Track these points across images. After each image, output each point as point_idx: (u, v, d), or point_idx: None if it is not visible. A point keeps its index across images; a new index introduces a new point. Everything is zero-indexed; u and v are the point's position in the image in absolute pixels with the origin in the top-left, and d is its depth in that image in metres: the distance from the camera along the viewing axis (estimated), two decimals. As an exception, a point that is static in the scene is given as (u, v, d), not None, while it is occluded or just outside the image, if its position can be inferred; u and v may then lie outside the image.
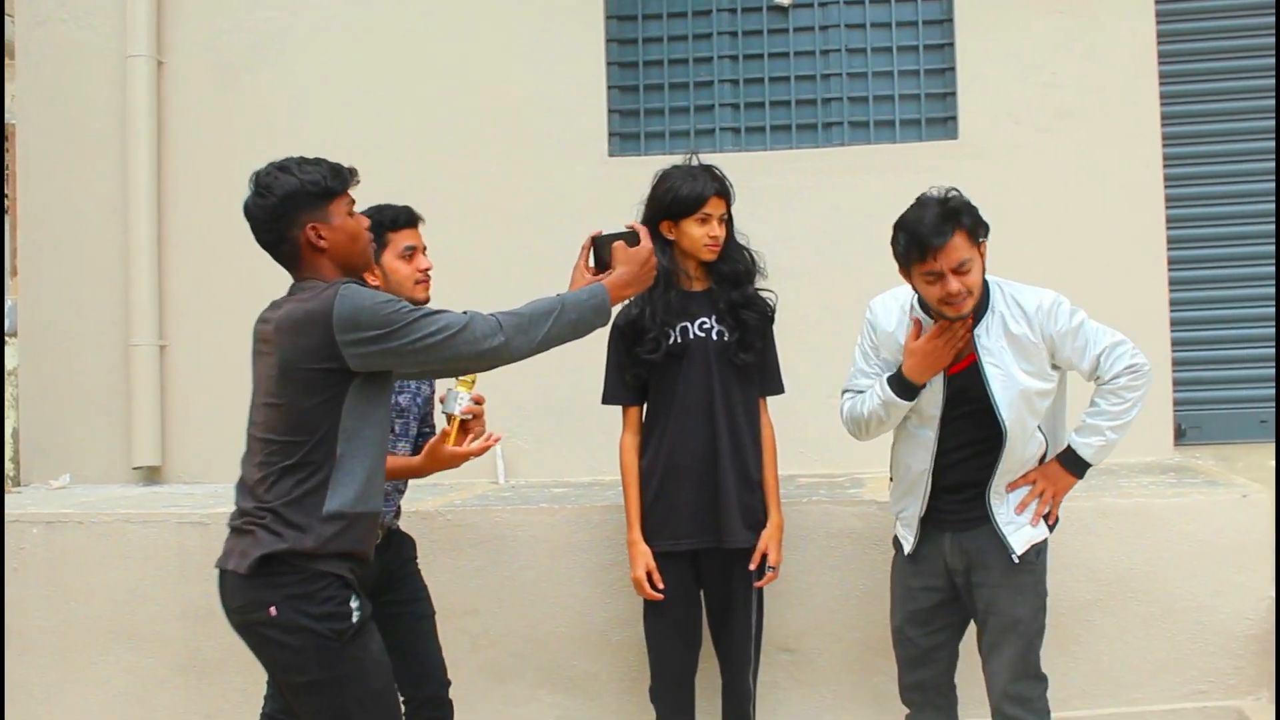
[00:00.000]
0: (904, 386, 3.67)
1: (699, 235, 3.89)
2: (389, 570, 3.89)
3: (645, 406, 4.06)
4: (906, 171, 5.68)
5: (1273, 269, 5.71)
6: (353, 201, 3.17)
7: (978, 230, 3.53)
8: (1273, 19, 5.72)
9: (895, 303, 3.82)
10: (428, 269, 3.88)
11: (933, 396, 3.69)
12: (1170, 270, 5.68)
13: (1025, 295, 3.66)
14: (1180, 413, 5.78)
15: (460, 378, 3.64)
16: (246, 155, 6.16)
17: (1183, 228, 5.79)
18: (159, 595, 4.88)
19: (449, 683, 4.00)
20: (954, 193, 3.54)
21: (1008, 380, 3.60)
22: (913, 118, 5.97)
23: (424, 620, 3.98)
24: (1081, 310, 3.66)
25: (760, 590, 3.98)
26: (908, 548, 3.82)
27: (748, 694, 3.97)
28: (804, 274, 5.44)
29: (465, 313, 3.09)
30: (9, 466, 7.52)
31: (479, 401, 3.65)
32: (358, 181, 3.19)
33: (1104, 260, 5.57)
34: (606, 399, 4.08)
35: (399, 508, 4.03)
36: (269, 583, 2.95)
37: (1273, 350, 5.64)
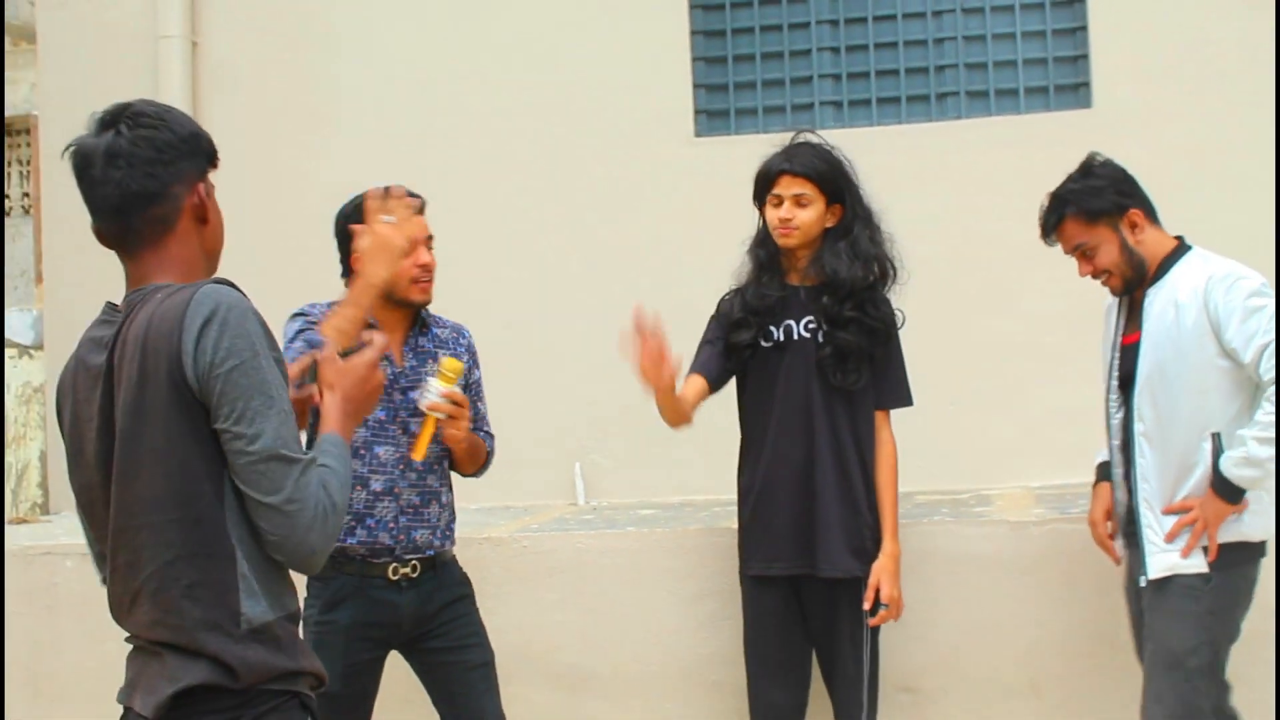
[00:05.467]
0: None
1: (770, 218, 3.96)
2: (430, 610, 3.81)
3: (746, 405, 4.08)
4: (1032, 146, 5.68)
5: None
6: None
7: (1095, 209, 3.76)
8: None
9: None
10: (427, 265, 3.77)
11: (1106, 362, 3.89)
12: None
13: (1210, 262, 3.74)
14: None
15: (441, 368, 3.61)
16: (291, 144, 6.40)
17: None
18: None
19: None
20: (1098, 158, 3.88)
21: (1151, 351, 3.71)
22: (1039, 84, 5.97)
23: (477, 669, 3.86)
24: (1272, 297, 3.65)
25: (874, 628, 3.98)
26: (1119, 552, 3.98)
27: (859, 741, 4.00)
28: (917, 266, 5.42)
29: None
30: (36, 493, 7.71)
31: (456, 401, 3.61)
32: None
33: (1262, 246, 5.36)
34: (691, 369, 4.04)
35: (446, 526, 3.89)
36: (189, 714, 2.40)
37: None
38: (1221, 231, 5.33)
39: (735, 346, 3.99)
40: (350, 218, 3.74)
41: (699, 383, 3.96)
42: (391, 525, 3.73)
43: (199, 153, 2.52)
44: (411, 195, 3.72)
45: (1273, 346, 3.56)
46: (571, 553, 4.82)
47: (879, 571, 3.92)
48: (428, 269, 3.76)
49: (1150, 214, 3.84)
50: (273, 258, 5.73)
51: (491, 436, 4.01)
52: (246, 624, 2.38)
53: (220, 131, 6.31)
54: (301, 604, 3.66)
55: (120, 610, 2.47)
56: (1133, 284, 3.81)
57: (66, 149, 2.50)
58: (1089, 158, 3.89)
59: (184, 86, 6.31)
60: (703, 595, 4.67)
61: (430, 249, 3.80)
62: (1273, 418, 3.54)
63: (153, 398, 2.34)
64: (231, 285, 2.43)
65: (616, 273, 5.97)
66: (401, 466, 3.76)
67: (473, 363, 3.97)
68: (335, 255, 3.80)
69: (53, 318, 6.60)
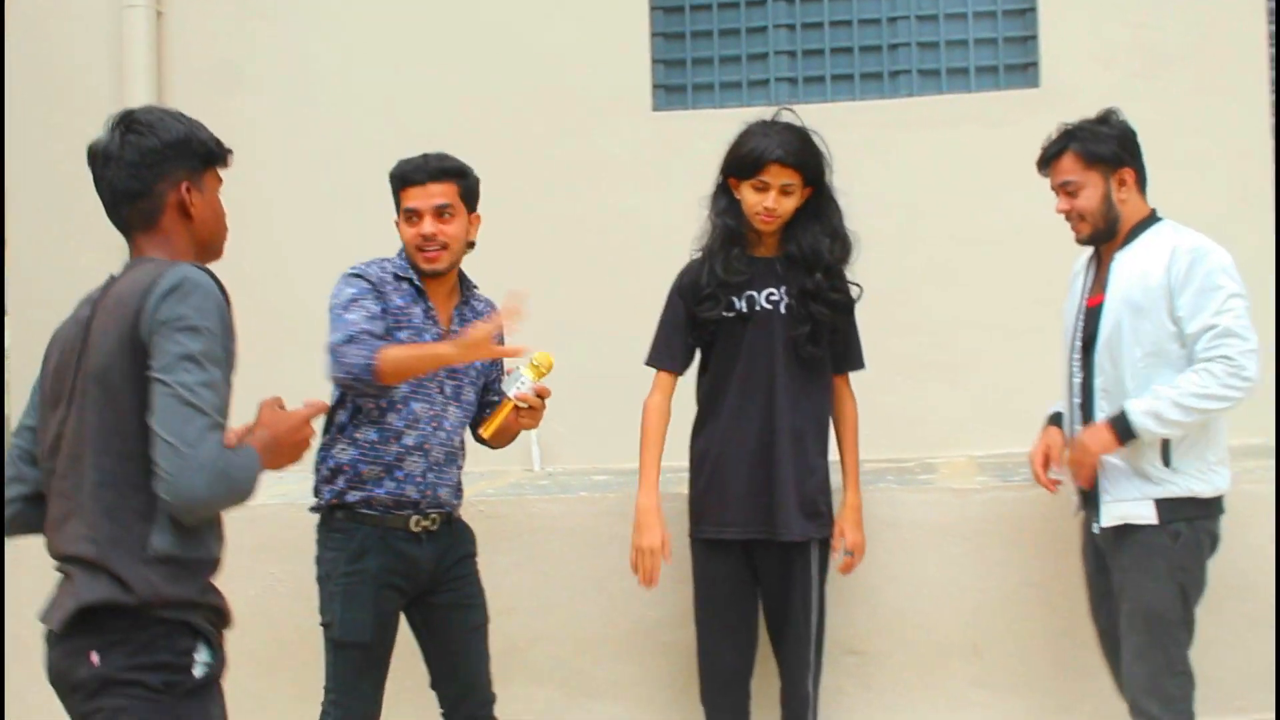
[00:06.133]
0: None
1: (752, 202, 3.95)
2: (443, 565, 3.90)
3: (707, 375, 4.11)
4: (982, 124, 5.72)
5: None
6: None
7: (1095, 153, 3.81)
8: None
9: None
10: (426, 234, 3.82)
11: (1069, 325, 3.92)
12: (1281, 236, 5.62)
13: (1178, 233, 3.80)
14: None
15: (532, 361, 3.71)
16: (258, 114, 6.36)
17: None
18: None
19: (493, 698, 4.03)
20: (1117, 114, 3.92)
21: (1113, 310, 3.76)
22: (989, 64, 6.00)
23: (476, 631, 3.98)
24: (1236, 282, 3.67)
25: (822, 589, 4.03)
26: (1073, 508, 4.01)
27: (806, 700, 4.03)
28: (868, 239, 5.46)
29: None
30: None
31: (541, 395, 3.75)
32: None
33: (1206, 227, 5.49)
34: (651, 360, 4.12)
35: (459, 483, 3.99)
36: (90, 630, 2.63)
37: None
38: (1166, 212, 5.42)
39: (703, 321, 4.02)
40: (395, 181, 3.92)
41: (670, 383, 4.09)
42: (419, 480, 3.82)
43: (187, 155, 2.83)
44: (413, 170, 3.89)
45: (1222, 332, 3.58)
46: (526, 518, 4.84)
47: (843, 521, 4.05)
48: (428, 239, 3.83)
49: (1141, 180, 3.90)
50: (242, 228, 5.69)
51: None
52: (152, 551, 2.62)
53: (184, 102, 6.27)
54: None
55: (53, 528, 2.73)
56: (1099, 236, 3.86)
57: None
58: (1108, 110, 3.95)
59: (149, 56, 6.26)
60: (655, 559, 4.68)
61: (441, 219, 3.85)
62: (1199, 389, 3.58)
63: (114, 346, 2.62)
64: (211, 275, 2.68)
65: (574, 246, 5.99)
66: (434, 424, 3.86)
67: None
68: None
69: (15, 282, 6.54)
